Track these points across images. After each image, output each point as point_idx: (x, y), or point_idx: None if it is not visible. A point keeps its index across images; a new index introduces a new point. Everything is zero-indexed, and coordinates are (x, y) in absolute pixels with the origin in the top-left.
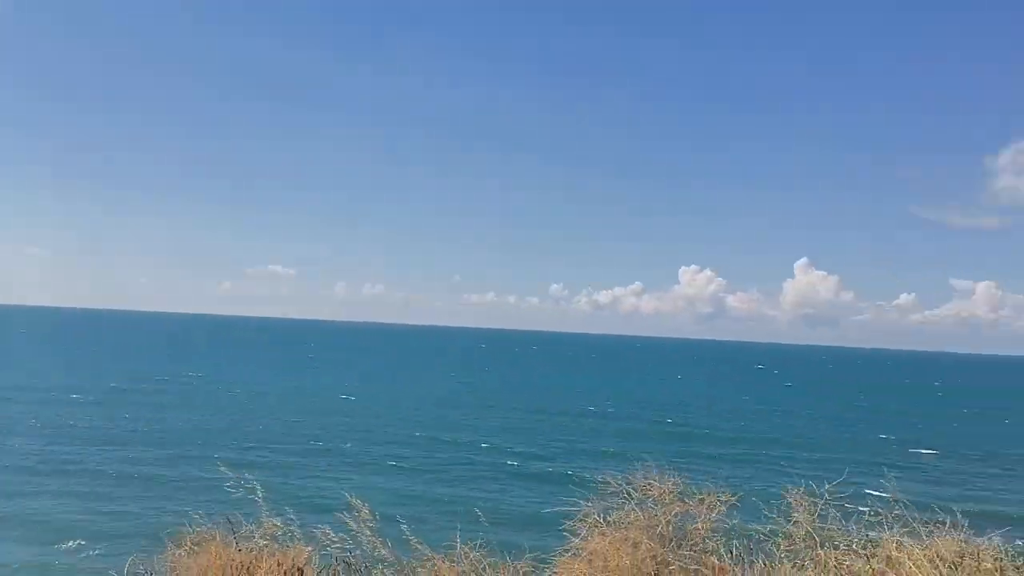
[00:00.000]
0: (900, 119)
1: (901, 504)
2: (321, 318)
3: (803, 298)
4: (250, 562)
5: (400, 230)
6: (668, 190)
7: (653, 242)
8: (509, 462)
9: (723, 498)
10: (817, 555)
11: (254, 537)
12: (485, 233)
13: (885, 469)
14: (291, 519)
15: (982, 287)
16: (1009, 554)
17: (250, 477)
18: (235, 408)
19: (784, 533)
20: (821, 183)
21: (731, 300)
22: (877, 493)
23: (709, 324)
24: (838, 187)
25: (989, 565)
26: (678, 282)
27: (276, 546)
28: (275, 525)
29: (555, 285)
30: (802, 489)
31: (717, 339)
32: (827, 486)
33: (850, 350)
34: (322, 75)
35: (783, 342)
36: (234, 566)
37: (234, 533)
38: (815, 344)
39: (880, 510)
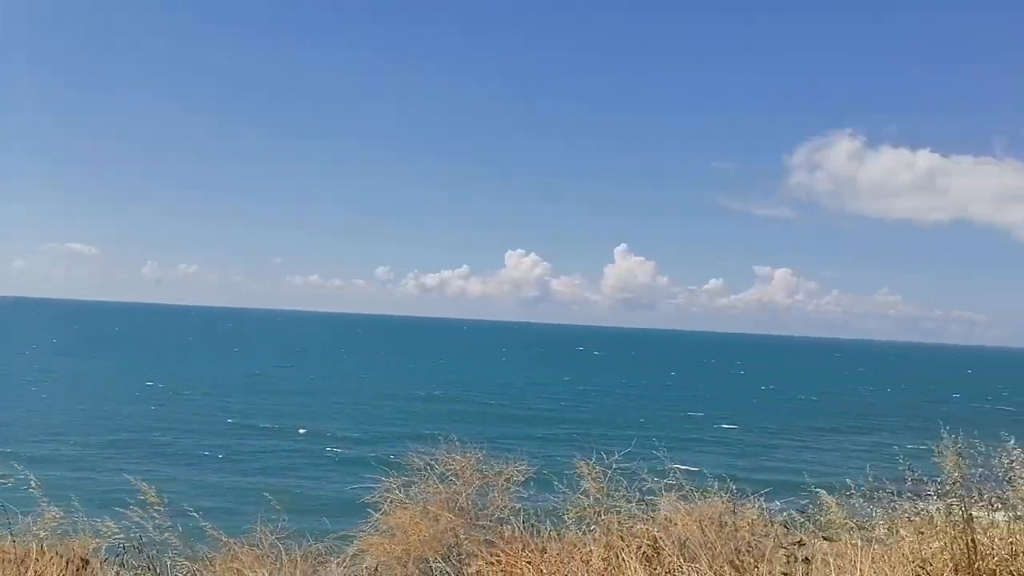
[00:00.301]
0: (712, 114)
1: (675, 473)
2: (127, 300)
3: (622, 282)
4: (25, 555)
5: (217, 209)
6: (496, 175)
7: (480, 227)
8: (329, 448)
9: (520, 470)
10: (603, 520)
11: (32, 530)
12: (308, 214)
13: (694, 444)
14: (76, 511)
15: (780, 273)
16: (766, 512)
17: (21, 468)
18: (22, 397)
19: (573, 501)
20: (640, 173)
21: (555, 284)
22: (665, 464)
23: (534, 307)
24: (657, 177)
25: (746, 523)
26: (504, 265)
27: (57, 538)
28: (56, 518)
29: (382, 268)
30: (592, 460)
31: (542, 322)
32: (615, 456)
33: (665, 332)
34: (116, 43)
35: (604, 325)
36: (7, 560)
37: (10, 526)
38: (633, 327)
39: (658, 479)
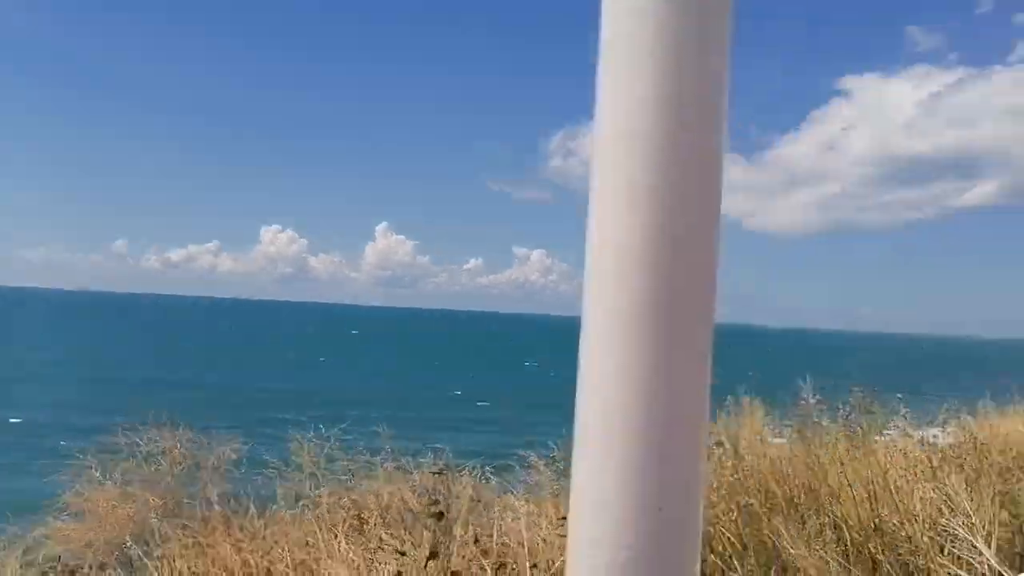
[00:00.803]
0: (479, 96)
1: (390, 446)
2: None
3: (384, 261)
4: None
5: None
6: (246, 143)
7: (233, 200)
8: (38, 439)
9: (234, 449)
10: (316, 496)
11: None
12: (27, 178)
13: (452, 422)
14: None
15: (536, 254)
16: (478, 473)
17: None
18: None
19: (286, 478)
20: (404, 149)
21: (313, 261)
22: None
23: (291, 285)
24: (420, 154)
25: (460, 487)
26: (259, 241)
27: None
28: None
29: (120, 241)
30: (311, 434)
31: (300, 300)
32: (335, 430)
33: (426, 311)
34: None
35: (364, 304)
36: None
37: None
38: (395, 306)
39: (374, 454)
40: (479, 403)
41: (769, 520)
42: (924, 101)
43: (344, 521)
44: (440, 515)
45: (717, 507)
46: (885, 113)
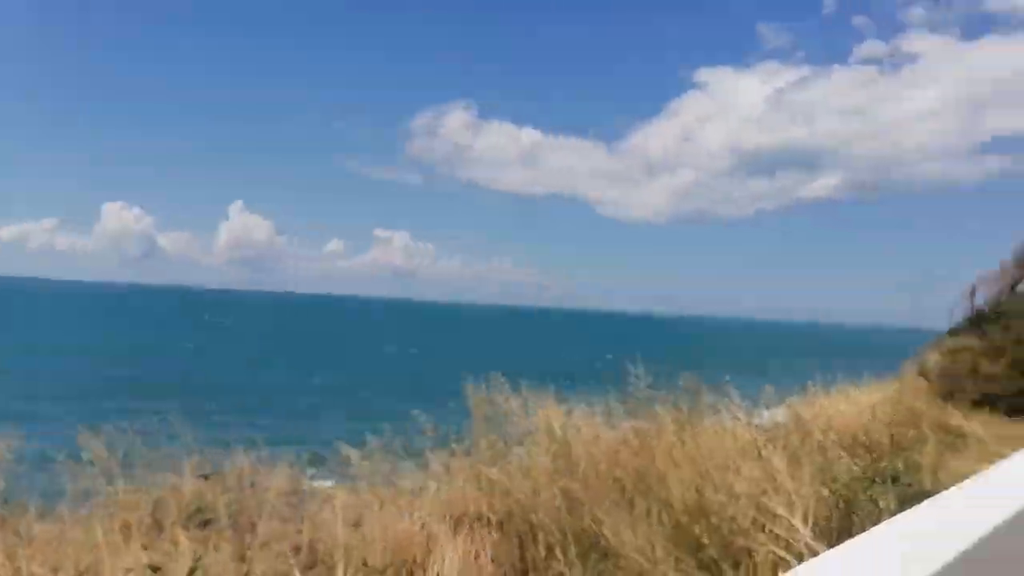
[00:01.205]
0: (339, 73)
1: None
2: None
3: (239, 241)
4: None
5: None
6: (89, 114)
7: (72, 175)
8: None
9: (9, 446)
10: (110, 493)
11: None
12: None
13: (305, 411)
14: None
15: (399, 237)
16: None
17: None
18: None
19: (76, 473)
20: (259, 126)
21: (163, 241)
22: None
23: (139, 266)
24: (276, 132)
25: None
26: (101, 219)
27: None
28: None
29: None
30: (111, 426)
31: (148, 282)
32: (151, 420)
33: (283, 294)
34: None
35: (218, 286)
36: None
37: None
38: (250, 289)
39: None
40: (334, 390)
41: (592, 507)
42: (771, 97)
43: (140, 521)
44: (206, 523)
45: (541, 495)
46: (737, 106)
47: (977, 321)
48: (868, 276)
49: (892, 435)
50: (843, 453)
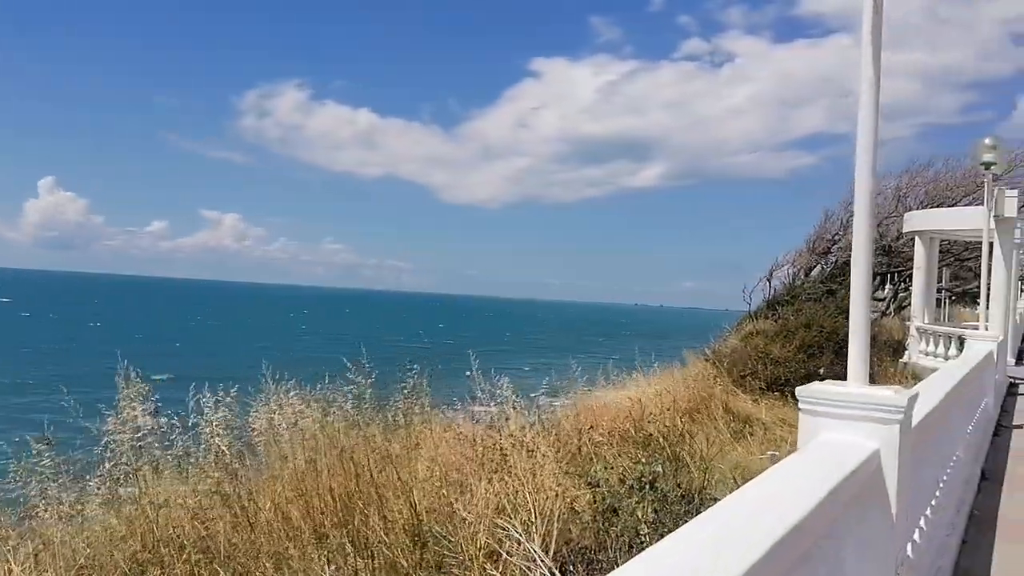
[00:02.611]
0: (160, 48)
1: None
2: None
3: (49, 220)
4: None
5: None
6: None
7: None
8: None
9: None
10: None
11: None
12: None
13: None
14: None
15: (229, 218)
16: None
17: None
18: None
19: None
20: (75, 102)
21: None
22: None
23: None
24: (91, 105)
25: None
26: None
27: None
28: None
29: None
30: None
31: None
32: None
33: (98, 276)
34: None
35: (23, 267)
36: None
37: None
38: (62, 270)
39: None
40: (157, 376)
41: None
42: (603, 88)
43: None
44: None
45: None
46: (570, 96)
47: (773, 305)
48: (689, 260)
49: (668, 429)
50: (613, 452)
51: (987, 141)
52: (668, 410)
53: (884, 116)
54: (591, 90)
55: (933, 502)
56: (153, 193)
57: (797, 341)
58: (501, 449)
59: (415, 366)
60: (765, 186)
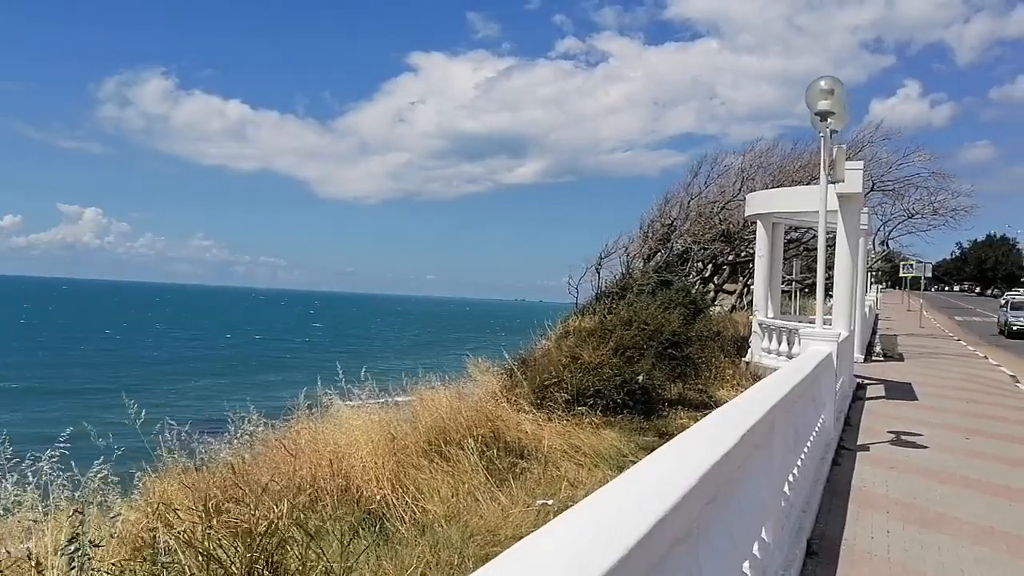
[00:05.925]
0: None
1: None
2: None
3: None
4: None
5: None
6: None
7: None
8: None
9: None
10: None
11: None
12: None
13: None
14: None
15: (89, 213)
16: None
17: None
18: None
19: None
20: None
21: None
22: None
23: None
24: None
25: None
26: None
27: None
28: None
29: None
30: None
31: None
32: None
33: None
34: None
35: None
36: None
37: None
38: None
39: None
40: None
41: None
42: (481, 84)
43: None
44: None
45: None
46: (449, 91)
47: (600, 298)
48: (568, 255)
49: (377, 484)
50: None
51: (823, 84)
52: (395, 453)
53: (750, 119)
54: (470, 86)
55: None
56: (5, 186)
57: (612, 342)
58: None
59: None
60: (640, 183)
